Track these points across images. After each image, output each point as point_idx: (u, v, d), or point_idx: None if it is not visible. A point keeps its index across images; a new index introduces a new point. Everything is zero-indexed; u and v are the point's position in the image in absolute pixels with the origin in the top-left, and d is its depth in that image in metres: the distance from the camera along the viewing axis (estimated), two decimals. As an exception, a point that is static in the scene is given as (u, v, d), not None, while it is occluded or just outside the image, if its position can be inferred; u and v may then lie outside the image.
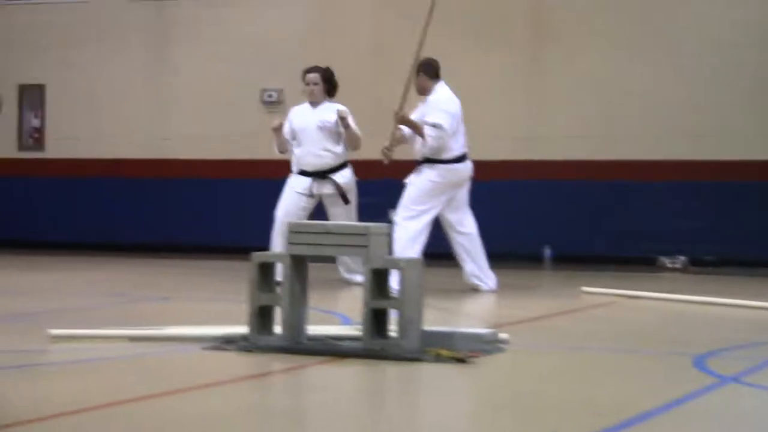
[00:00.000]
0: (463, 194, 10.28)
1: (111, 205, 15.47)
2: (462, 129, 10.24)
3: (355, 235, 6.55)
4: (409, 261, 6.52)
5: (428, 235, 10.11)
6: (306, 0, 14.98)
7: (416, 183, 10.11)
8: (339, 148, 10.62)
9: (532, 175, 14.05)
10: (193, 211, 15.20)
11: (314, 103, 10.69)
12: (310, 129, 10.59)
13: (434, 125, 10.00)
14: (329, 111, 10.61)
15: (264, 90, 14.96)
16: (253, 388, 5.80)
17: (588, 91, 13.85)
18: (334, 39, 14.69)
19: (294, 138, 10.69)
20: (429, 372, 6.07)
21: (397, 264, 6.44)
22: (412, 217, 10.02)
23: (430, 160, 10.11)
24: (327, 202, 10.70)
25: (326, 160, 10.60)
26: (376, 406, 5.46)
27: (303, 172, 10.65)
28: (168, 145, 15.40)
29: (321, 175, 10.59)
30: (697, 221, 13.51)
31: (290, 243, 6.63)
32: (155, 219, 15.33)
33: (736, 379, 5.85)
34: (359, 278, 10.31)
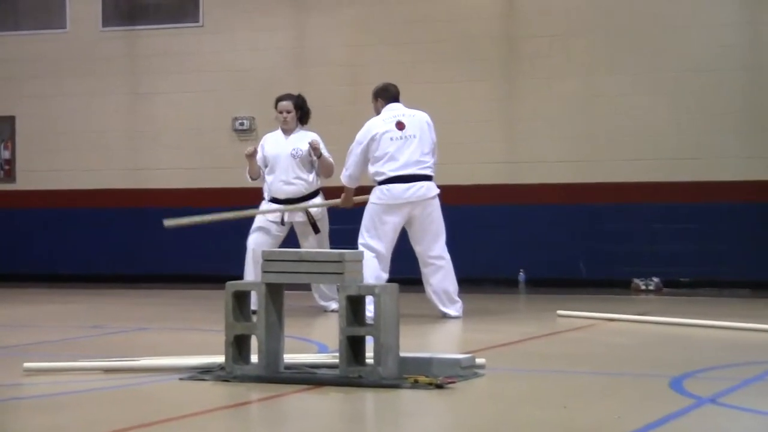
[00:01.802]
0: (425, 219, 10.14)
1: (85, 237, 15.42)
2: (395, 149, 10.02)
3: (330, 263, 6.54)
4: (384, 287, 6.50)
5: (388, 259, 10.05)
6: (279, 28, 15.00)
7: (366, 208, 10.16)
8: (311, 177, 10.63)
9: (506, 199, 14.09)
10: (167, 241, 15.15)
11: (287, 131, 10.71)
12: (283, 157, 10.60)
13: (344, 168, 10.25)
14: (302, 139, 10.63)
15: (236, 118, 14.97)
16: (231, 417, 5.77)
17: (564, 116, 13.92)
18: (308, 67, 14.73)
19: (266, 165, 10.70)
20: (407, 398, 6.06)
21: (372, 290, 6.43)
22: (365, 243, 10.02)
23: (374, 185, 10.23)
24: (298, 231, 10.70)
25: (298, 188, 10.61)
26: (355, 433, 5.44)
27: (274, 200, 10.65)
28: (141, 175, 15.37)
29: (292, 203, 10.60)
30: (672, 243, 13.58)
31: (264, 271, 6.61)
32: (130, 249, 15.29)
33: (713, 400, 5.86)
34: (334, 305, 10.30)
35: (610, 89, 13.80)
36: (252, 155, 10.66)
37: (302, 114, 10.74)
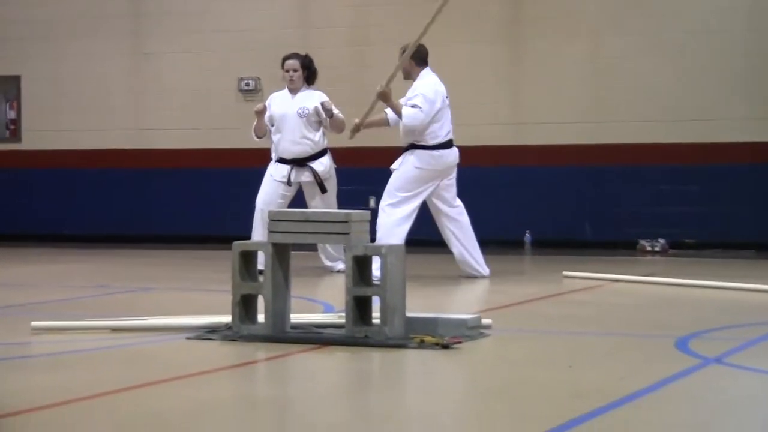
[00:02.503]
0: (451, 182, 10.23)
1: (90, 197, 15.43)
2: (447, 116, 10.16)
3: (336, 223, 6.55)
4: (391, 247, 6.51)
5: (413, 222, 10.07)
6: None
7: (401, 170, 10.07)
8: (317, 136, 10.60)
9: (513, 160, 14.08)
10: (173, 201, 15.18)
11: (293, 91, 10.66)
12: (289, 116, 10.57)
13: (412, 106, 9.97)
14: (309, 98, 10.60)
15: (241, 79, 14.94)
16: (238, 377, 5.80)
17: (570, 77, 13.87)
18: (313, 27, 14.68)
19: (273, 124, 10.68)
20: (413, 358, 6.08)
21: (379, 251, 6.44)
22: (395, 204, 9.99)
23: (414, 146, 10.08)
24: (306, 191, 10.69)
25: (304, 148, 10.58)
26: (362, 393, 5.47)
27: (281, 160, 10.64)
28: (146, 136, 15.36)
29: (299, 162, 10.58)
30: (677, 204, 13.57)
31: (271, 231, 6.62)
32: (135, 209, 15.30)
33: (718, 360, 5.88)
34: (341, 266, 10.32)
35: (616, 51, 13.75)
36: (261, 112, 10.62)
37: (309, 74, 10.69)
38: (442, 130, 10.09)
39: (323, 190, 10.56)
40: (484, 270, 10.29)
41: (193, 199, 15.06)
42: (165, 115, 15.29)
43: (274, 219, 6.68)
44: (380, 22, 14.33)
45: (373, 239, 8.73)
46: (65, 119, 15.56)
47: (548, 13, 13.94)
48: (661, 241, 13.51)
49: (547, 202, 13.92)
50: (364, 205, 12.43)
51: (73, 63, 15.52)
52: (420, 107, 9.94)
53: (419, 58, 10.20)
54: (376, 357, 6.13)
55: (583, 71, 13.86)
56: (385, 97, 10.08)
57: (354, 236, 6.47)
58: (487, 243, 13.56)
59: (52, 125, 15.60)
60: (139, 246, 14.40)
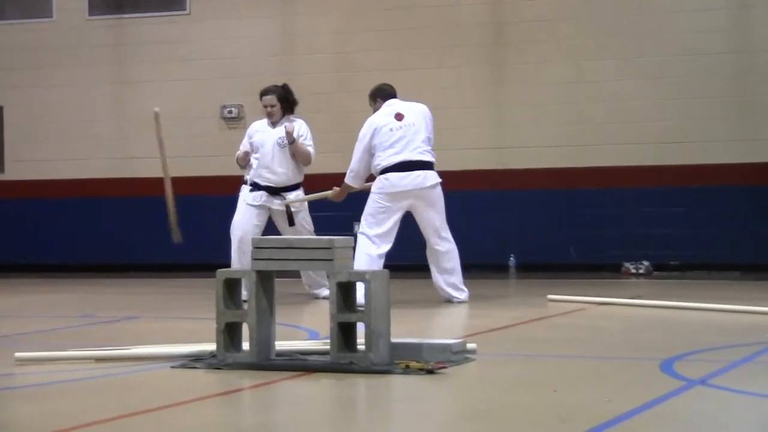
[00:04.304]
0: (427, 209, 10.21)
1: (74, 226, 15.42)
2: (393, 142, 10.10)
3: (320, 249, 6.55)
4: (375, 273, 6.51)
5: (391, 246, 10.08)
6: (266, 16, 14.99)
7: (368, 201, 10.19)
8: (295, 167, 10.59)
9: (496, 184, 14.11)
10: (156, 230, 15.13)
11: (274, 123, 10.69)
12: (268, 146, 10.58)
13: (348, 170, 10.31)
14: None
15: (224, 106, 14.95)
16: (223, 405, 5.78)
17: (552, 101, 13.94)
18: (295, 54, 14.72)
19: (255, 151, 10.70)
20: (399, 384, 6.07)
21: (363, 276, 6.44)
22: (363, 233, 10.10)
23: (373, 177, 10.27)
24: (276, 219, 10.68)
25: (281, 178, 10.58)
26: (348, 419, 5.46)
27: (255, 185, 10.63)
28: (129, 164, 15.35)
29: (273, 190, 10.58)
30: (661, 227, 13.62)
31: (254, 258, 6.61)
32: (119, 238, 15.28)
33: (703, 382, 5.89)
34: (325, 292, 10.32)
35: (598, 74, 13.82)
36: (242, 158, 10.69)
37: (287, 104, 10.70)
38: (384, 156, 10.11)
39: (291, 222, 10.54)
40: (459, 296, 10.25)
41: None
42: (148, 144, 15.25)
43: (257, 246, 6.67)
44: (363, 49, 14.37)
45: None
46: (48, 148, 15.55)
47: (530, 37, 14.01)
48: (646, 263, 13.55)
49: (531, 226, 13.96)
50: (347, 231, 12.44)
51: (56, 92, 15.53)
52: (354, 153, 10.22)
53: (381, 96, 10.41)
54: (361, 383, 6.12)
55: (566, 95, 13.92)
56: (338, 195, 10.45)
57: (338, 263, 6.47)
58: (472, 267, 13.59)
59: (36, 155, 15.59)
60: (124, 275, 14.37)
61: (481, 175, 14.11)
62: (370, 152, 10.17)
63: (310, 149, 10.62)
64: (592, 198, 13.88)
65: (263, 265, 6.60)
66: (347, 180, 10.37)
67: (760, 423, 5.11)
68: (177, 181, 15.03)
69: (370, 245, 9.99)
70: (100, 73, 15.46)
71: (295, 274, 10.48)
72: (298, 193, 10.66)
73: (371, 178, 10.34)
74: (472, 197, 14.05)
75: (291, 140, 10.50)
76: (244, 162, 10.74)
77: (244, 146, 10.83)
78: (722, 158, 13.49)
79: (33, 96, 15.63)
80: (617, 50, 13.78)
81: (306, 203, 10.72)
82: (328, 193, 10.57)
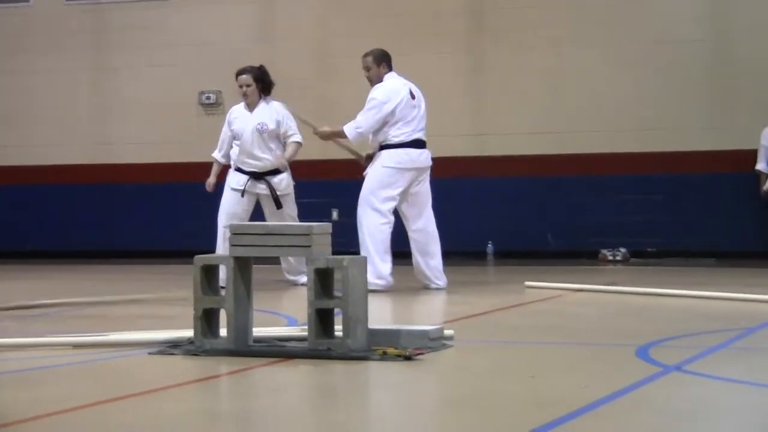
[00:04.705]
0: (423, 189, 10.24)
1: (53, 213, 15.37)
2: (413, 115, 10.16)
3: (298, 236, 6.56)
4: (353, 259, 6.52)
5: (392, 225, 10.11)
6: (244, 2, 14.95)
7: (371, 173, 10.11)
8: (278, 152, 10.59)
9: (474, 171, 14.14)
10: (136, 216, 15.13)
11: (250, 105, 10.64)
12: (248, 132, 10.56)
13: (357, 118, 10.08)
14: (267, 112, 10.57)
15: (202, 92, 14.93)
16: (201, 391, 5.79)
17: (531, 88, 13.97)
18: (274, 41, 14.69)
19: (236, 138, 10.68)
20: (376, 370, 6.09)
21: (341, 263, 6.45)
22: (372, 206, 10.02)
23: (382, 147, 10.14)
24: (263, 204, 10.69)
25: (263, 164, 10.56)
26: (326, 406, 5.47)
27: (239, 170, 10.63)
28: (108, 150, 15.32)
29: (256, 175, 10.57)
30: (639, 214, 13.67)
31: (232, 245, 6.62)
32: (98, 225, 15.25)
33: (678, 368, 5.93)
34: (304, 279, 10.33)
35: (576, 61, 13.85)
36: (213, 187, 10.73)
37: (264, 86, 10.64)
38: (406, 128, 10.10)
39: (278, 205, 10.53)
40: (439, 283, 10.27)
41: (156, 213, 15.03)
42: (127, 130, 15.25)
43: (235, 232, 6.68)
44: (342, 35, 14.36)
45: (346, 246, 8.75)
46: (27, 134, 15.49)
47: (509, 25, 14.03)
48: (623, 250, 13.60)
49: (509, 213, 13.99)
50: (326, 218, 12.45)
51: (34, 78, 15.47)
52: (368, 109, 10.02)
53: (389, 64, 10.27)
54: (339, 369, 6.14)
55: (545, 82, 13.94)
56: (325, 136, 10.18)
57: (316, 249, 6.48)
58: (450, 254, 13.61)
59: (13, 140, 15.53)
60: (103, 261, 14.34)
61: (460, 163, 14.13)
62: (386, 120, 10.07)
63: (297, 139, 10.58)
64: (570, 185, 13.92)
65: (241, 251, 6.60)
66: (349, 132, 10.08)
67: (735, 408, 5.15)
68: (156, 168, 15.11)
69: (382, 219, 9.99)
70: (78, 58, 15.41)
71: (274, 261, 10.47)
72: (283, 176, 10.62)
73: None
74: (450, 184, 14.06)
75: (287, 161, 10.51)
76: (214, 190, 10.76)
77: (224, 134, 10.80)
78: (699, 145, 13.55)
79: (10, 82, 15.57)
80: (596, 38, 13.82)
81: (292, 189, 10.65)
82: (321, 128, 10.34)
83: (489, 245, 13.99)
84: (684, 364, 6.03)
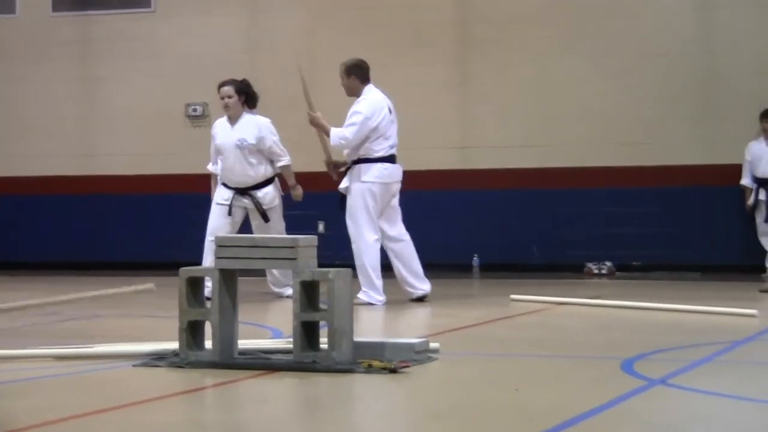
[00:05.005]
0: (395, 201, 10.30)
1: (39, 224, 15.33)
2: (392, 130, 10.20)
3: (284, 248, 6.55)
4: (338, 272, 6.52)
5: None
6: (231, 14, 14.96)
7: (356, 189, 10.09)
8: (261, 167, 10.53)
9: (460, 184, 14.15)
10: (121, 228, 15.10)
11: (232, 118, 10.58)
12: (229, 148, 10.50)
13: (344, 128, 10.07)
14: (248, 127, 10.51)
15: (188, 104, 14.92)
16: (186, 403, 5.78)
17: (517, 101, 13.99)
18: (260, 52, 14.70)
19: (219, 153, 10.66)
20: (361, 383, 6.09)
21: (326, 276, 6.45)
22: (364, 224, 10.03)
23: (359, 161, 10.12)
24: (251, 216, 10.68)
25: (245, 179, 10.52)
26: (311, 418, 5.47)
27: (225, 185, 10.62)
28: (94, 162, 15.29)
29: (241, 190, 10.55)
30: (624, 227, 13.69)
31: (218, 257, 6.61)
32: (83, 236, 15.22)
33: (663, 382, 5.93)
34: (289, 291, 10.31)
35: (563, 74, 13.88)
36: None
37: (247, 98, 10.60)
38: (385, 143, 10.14)
39: (266, 219, 10.51)
40: (424, 287, 10.26)
41: (142, 225, 15.01)
42: (113, 141, 15.23)
43: (221, 245, 6.67)
44: (328, 47, 14.37)
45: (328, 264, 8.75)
46: (13, 145, 15.46)
47: (495, 36, 14.06)
48: (608, 263, 13.62)
49: (494, 226, 14.00)
50: (312, 230, 12.45)
51: (20, 88, 15.45)
52: (354, 123, 9.99)
53: (362, 75, 10.26)
54: (324, 382, 6.13)
55: (530, 95, 13.97)
56: (313, 123, 10.17)
57: (301, 261, 6.48)
58: (436, 267, 13.61)
59: (1, 151, 15.49)
60: (88, 273, 14.30)
61: (445, 175, 14.15)
62: (368, 135, 10.07)
63: (284, 162, 10.56)
64: (556, 198, 13.94)
65: (226, 264, 6.60)
66: (333, 138, 10.08)
67: (720, 422, 5.16)
68: (142, 180, 15.09)
69: (374, 235, 10.04)
70: (64, 69, 15.39)
71: (260, 273, 10.47)
72: (268, 190, 10.58)
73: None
74: (436, 197, 14.08)
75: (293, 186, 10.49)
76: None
77: (212, 146, 10.77)
78: (685, 159, 13.59)
79: (-4, 91, 15.54)
80: (581, 51, 13.85)
81: (278, 203, 10.63)
82: (316, 114, 10.24)
83: (474, 258, 14.00)
84: (669, 378, 6.04)
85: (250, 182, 10.52)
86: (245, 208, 10.60)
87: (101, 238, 15.14)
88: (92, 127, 15.32)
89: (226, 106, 10.54)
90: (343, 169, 10.32)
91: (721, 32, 13.65)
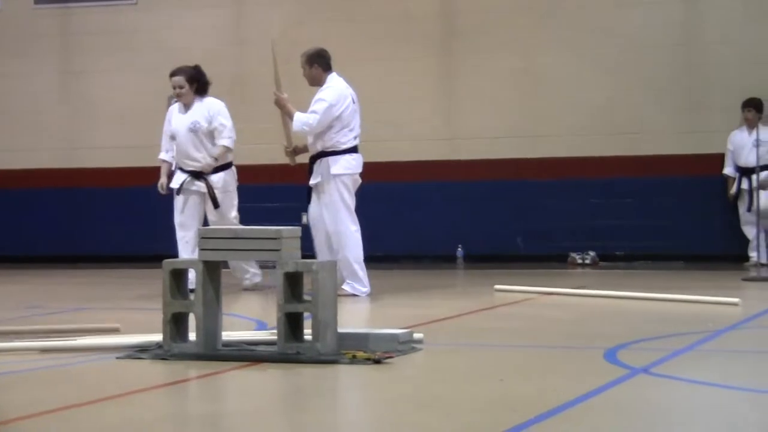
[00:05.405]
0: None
1: (22, 217, 15.29)
2: (356, 120, 10.17)
3: (267, 239, 6.55)
4: (322, 264, 6.53)
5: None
6: (215, 5, 14.92)
7: (332, 182, 10.05)
8: (214, 151, 10.44)
9: (444, 175, 14.15)
10: (104, 221, 15.07)
11: (186, 105, 10.57)
12: (182, 132, 10.48)
13: (308, 115, 9.97)
14: (200, 111, 10.46)
15: (171, 97, 14.86)
16: (169, 395, 5.78)
17: (502, 92, 13.99)
18: (246, 44, 14.66)
19: (172, 138, 10.62)
20: (345, 374, 6.10)
21: (310, 267, 6.45)
22: (346, 216, 10.01)
23: (326, 153, 10.06)
24: (205, 202, 10.55)
25: (201, 163, 10.46)
26: (294, 409, 5.47)
27: (180, 169, 10.56)
28: (76, 155, 15.25)
29: (195, 174, 10.48)
30: (608, 217, 13.72)
31: (201, 249, 6.61)
32: (66, 229, 15.18)
33: (645, 370, 5.96)
34: (254, 279, 10.34)
35: (548, 65, 13.89)
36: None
37: (199, 86, 10.55)
38: (351, 134, 10.11)
39: (215, 204, 10.41)
40: (359, 289, 10.17)
41: (124, 218, 14.97)
42: (95, 134, 15.19)
43: (204, 236, 6.67)
44: (316, 39, 14.30)
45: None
46: (-5, 138, 15.41)
47: (481, 28, 14.06)
48: (592, 253, 13.65)
49: (478, 217, 14.01)
50: (296, 222, 12.44)
51: (2, 82, 15.39)
52: (317, 111, 9.95)
53: (324, 63, 10.23)
54: (308, 373, 6.14)
55: (516, 86, 13.98)
56: (278, 103, 10.13)
57: (285, 252, 6.48)
58: (420, 258, 13.65)
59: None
60: (71, 266, 14.28)
61: (430, 166, 14.15)
62: (331, 124, 10.00)
63: (224, 143, 10.37)
64: (540, 189, 13.95)
65: (210, 255, 6.60)
66: (296, 123, 9.99)
67: (702, 410, 5.18)
68: (125, 173, 15.05)
69: (354, 226, 10.00)
70: (46, 62, 15.34)
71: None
72: (222, 175, 10.47)
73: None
74: (420, 188, 14.09)
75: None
76: (167, 191, 10.68)
77: (165, 132, 10.73)
78: (668, 149, 13.61)
79: (-22, 85, 15.48)
80: (567, 42, 13.86)
81: (231, 189, 10.52)
82: (282, 96, 10.17)
83: (459, 249, 14.01)
84: (651, 367, 6.06)
85: (202, 167, 10.42)
86: (202, 194, 10.48)
87: (84, 230, 15.09)
88: (75, 120, 15.28)
89: (179, 95, 10.53)
90: (301, 155, 10.26)
91: (705, 23, 13.67)
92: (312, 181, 10.12)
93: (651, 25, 13.70)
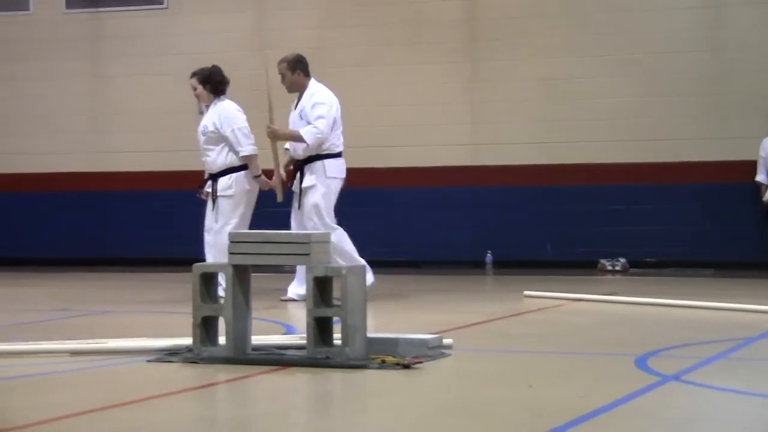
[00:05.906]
0: None
1: (49, 220, 15.35)
2: (340, 124, 10.14)
3: (297, 244, 6.55)
4: (351, 268, 6.52)
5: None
6: (241, 11, 14.96)
7: (320, 186, 9.98)
8: (222, 154, 10.36)
9: (473, 181, 14.12)
10: (131, 224, 15.12)
11: (207, 107, 10.58)
12: (199, 136, 10.52)
13: (317, 119, 9.92)
14: (212, 115, 10.39)
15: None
16: (199, 399, 5.78)
17: (527, 98, 13.96)
18: (271, 50, 14.66)
19: None
20: (374, 379, 6.09)
21: (339, 272, 6.45)
22: (331, 220, 10.00)
23: (318, 158, 10.01)
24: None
25: (210, 166, 10.43)
26: (323, 414, 5.47)
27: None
28: (104, 158, 15.30)
29: (212, 177, 10.47)
30: (637, 224, 13.66)
31: (231, 253, 6.61)
32: (94, 232, 15.23)
33: (676, 378, 5.92)
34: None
35: (572, 71, 13.85)
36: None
37: (212, 86, 10.52)
38: (340, 141, 10.13)
39: (213, 205, 10.35)
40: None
41: (152, 221, 15.01)
42: (123, 138, 15.24)
43: (234, 240, 6.68)
44: (338, 45, 14.35)
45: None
46: (23, 142, 15.48)
47: (504, 34, 14.03)
48: (622, 260, 13.59)
49: (508, 223, 13.98)
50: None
51: (32, 85, 15.47)
52: (322, 116, 9.93)
53: (305, 69, 10.22)
54: (337, 378, 6.13)
55: (540, 91, 13.94)
56: (274, 135, 10.07)
57: (314, 257, 6.47)
58: (449, 263, 13.63)
59: (10, 148, 15.52)
60: (99, 269, 14.32)
61: (457, 172, 14.12)
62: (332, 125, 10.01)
63: (244, 153, 10.21)
64: (569, 195, 13.90)
65: (239, 259, 6.60)
66: (309, 137, 9.85)
67: (732, 418, 5.14)
68: (152, 176, 15.09)
69: (338, 228, 9.96)
70: (76, 66, 15.41)
71: (273, 269, 10.39)
72: (225, 179, 10.37)
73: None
74: (448, 194, 14.07)
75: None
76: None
77: None
78: (698, 156, 13.55)
79: (8, 89, 15.56)
80: (590, 48, 13.82)
81: (237, 193, 10.44)
82: (274, 126, 10.06)
83: (488, 255, 13.98)
84: (682, 374, 6.03)
85: (216, 168, 10.40)
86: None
87: (112, 234, 15.14)
88: (103, 124, 15.33)
89: (196, 97, 10.57)
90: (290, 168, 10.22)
91: (730, 29, 13.60)
92: (305, 184, 10.04)
93: (672, 30, 13.63)
